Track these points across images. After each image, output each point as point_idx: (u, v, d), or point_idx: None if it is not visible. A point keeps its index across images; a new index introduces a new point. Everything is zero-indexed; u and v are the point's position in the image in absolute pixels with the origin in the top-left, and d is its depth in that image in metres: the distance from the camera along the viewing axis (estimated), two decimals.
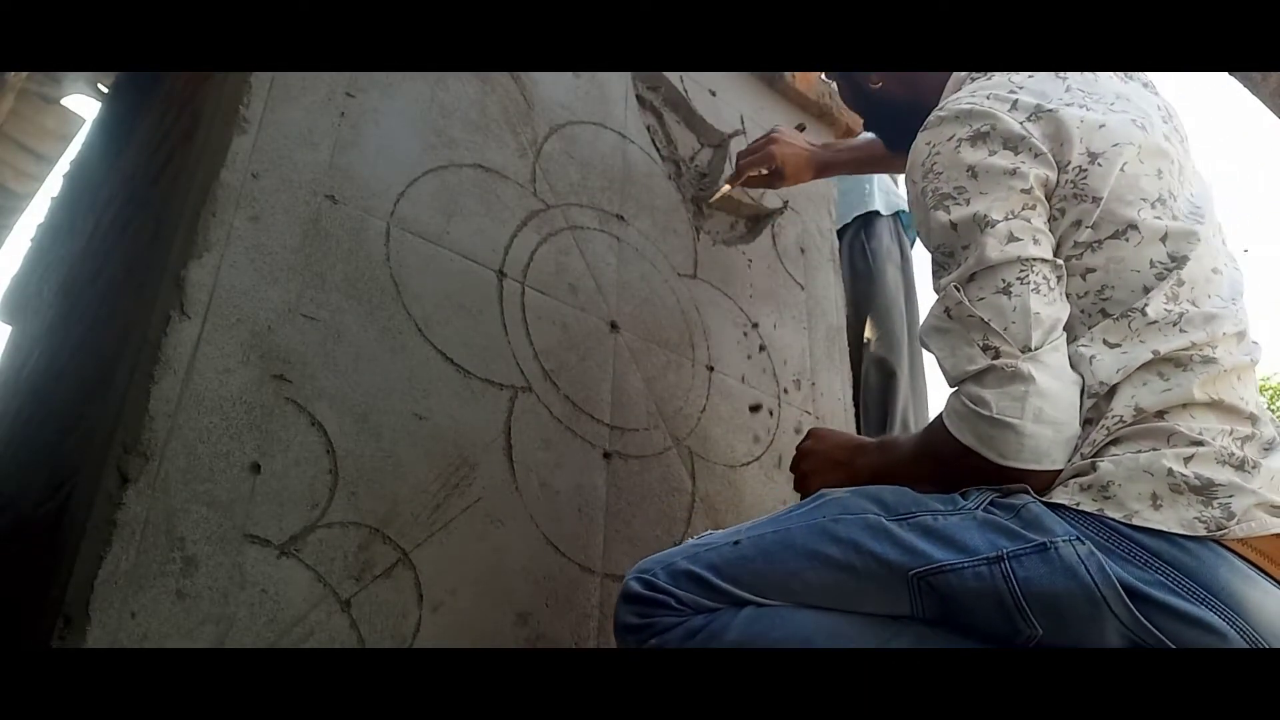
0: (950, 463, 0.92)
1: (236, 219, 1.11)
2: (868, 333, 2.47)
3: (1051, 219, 0.95)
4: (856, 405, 2.18)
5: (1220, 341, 0.90)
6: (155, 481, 0.95)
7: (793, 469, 1.22)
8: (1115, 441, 0.87)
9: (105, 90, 3.44)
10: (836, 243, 2.03)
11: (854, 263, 2.51)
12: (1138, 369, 0.88)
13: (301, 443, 1.07)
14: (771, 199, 1.83)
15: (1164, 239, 0.93)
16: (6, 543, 1.27)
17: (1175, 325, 0.90)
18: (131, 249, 1.38)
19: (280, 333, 1.10)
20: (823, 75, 2.16)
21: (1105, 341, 0.91)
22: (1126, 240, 0.93)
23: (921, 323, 0.99)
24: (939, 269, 0.98)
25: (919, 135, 1.03)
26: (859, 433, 2.23)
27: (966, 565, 0.84)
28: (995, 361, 0.88)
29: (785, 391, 1.70)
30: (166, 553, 0.93)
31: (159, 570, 0.92)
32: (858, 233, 2.57)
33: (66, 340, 1.55)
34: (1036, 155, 0.95)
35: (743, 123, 1.89)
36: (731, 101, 1.90)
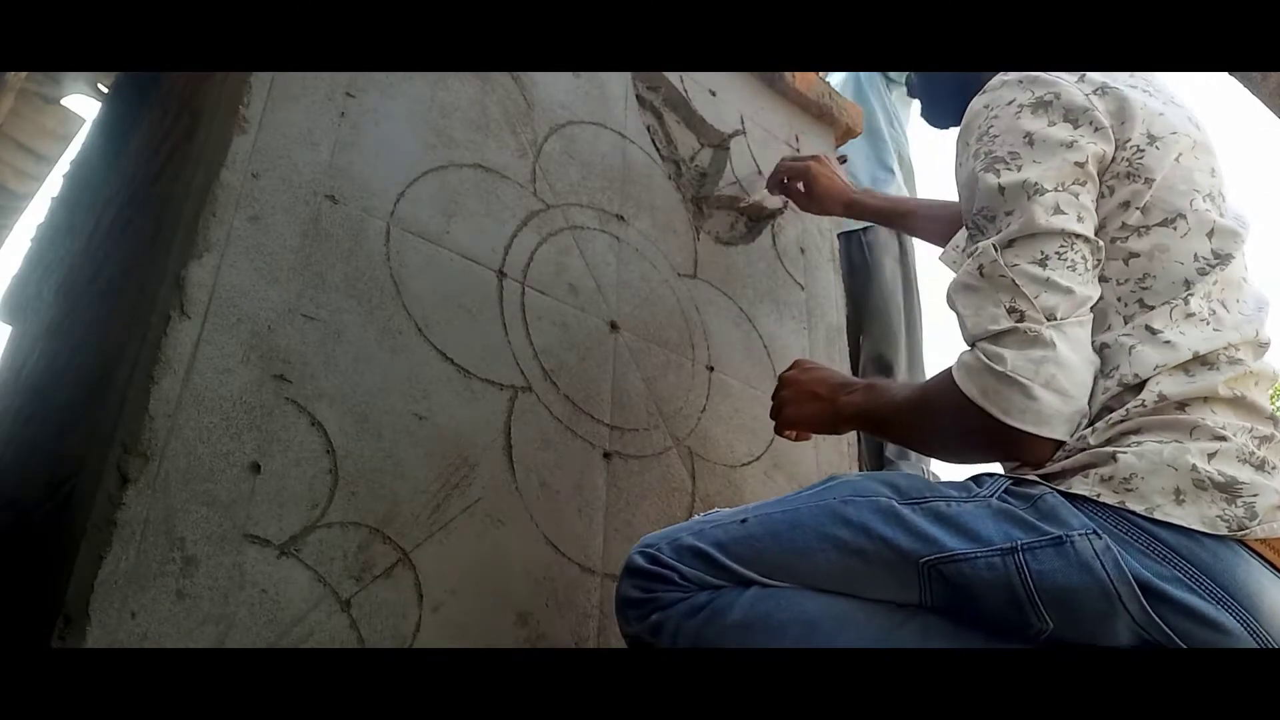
0: (946, 415, 0.91)
1: (236, 219, 1.11)
2: (864, 328, 2.45)
3: (1100, 196, 0.94)
4: None
5: (1245, 345, 0.90)
6: (155, 481, 0.95)
7: (773, 397, 1.19)
8: (1136, 430, 0.86)
9: (105, 90, 3.44)
10: (836, 242, 2.03)
11: (850, 256, 2.48)
12: (1173, 367, 0.87)
13: (301, 443, 1.07)
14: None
15: (1210, 234, 0.93)
16: (6, 543, 1.27)
17: (1208, 323, 0.89)
18: (131, 249, 1.38)
19: (280, 333, 1.10)
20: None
21: (1148, 328, 0.90)
22: (1174, 229, 0.93)
23: (951, 280, 0.97)
24: (976, 232, 0.97)
25: (977, 97, 1.02)
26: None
27: (979, 555, 0.83)
28: (1019, 324, 0.87)
29: None
30: (166, 553, 0.93)
31: (159, 570, 0.92)
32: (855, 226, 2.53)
33: (66, 340, 1.55)
34: (1097, 129, 0.94)
35: (742, 123, 1.88)
36: (731, 101, 1.90)
